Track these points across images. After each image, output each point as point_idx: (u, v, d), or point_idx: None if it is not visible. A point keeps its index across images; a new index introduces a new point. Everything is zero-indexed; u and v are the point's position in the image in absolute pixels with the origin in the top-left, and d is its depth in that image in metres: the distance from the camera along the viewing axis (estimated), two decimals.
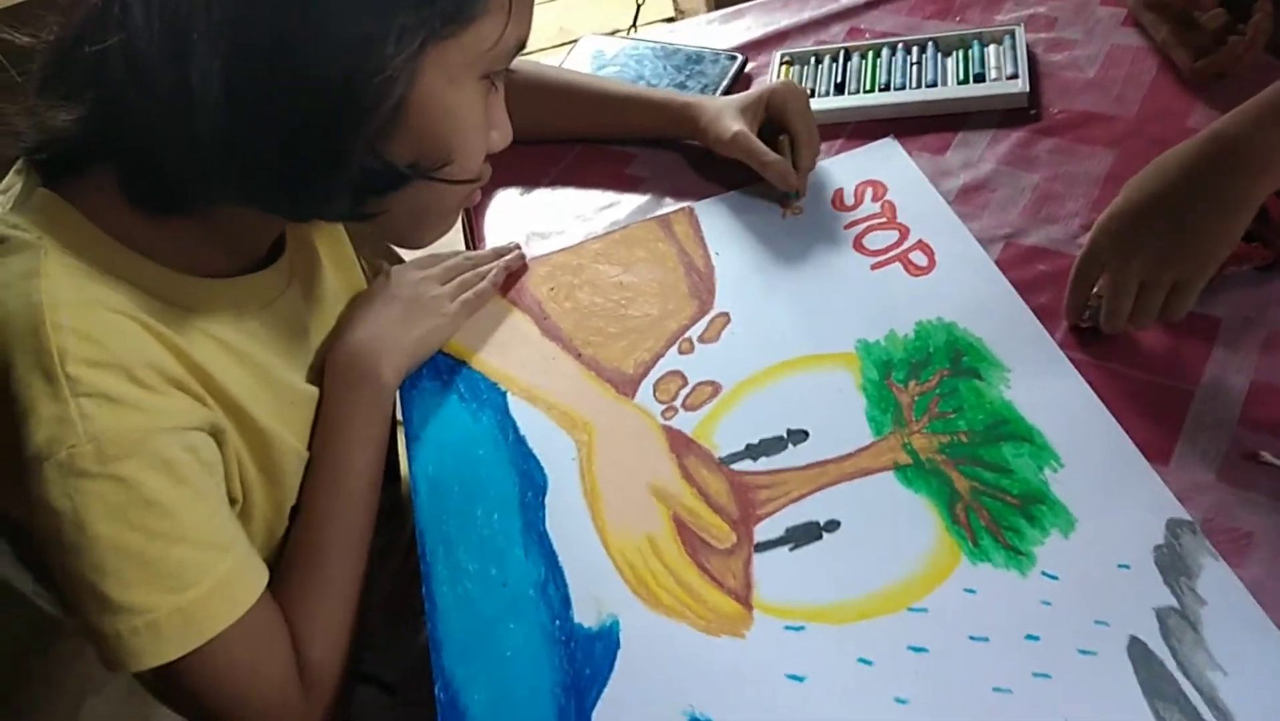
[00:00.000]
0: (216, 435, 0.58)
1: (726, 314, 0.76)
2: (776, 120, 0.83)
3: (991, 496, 0.61)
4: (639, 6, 2.53)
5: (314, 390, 0.70)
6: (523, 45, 0.60)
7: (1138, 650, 0.53)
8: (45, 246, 0.53)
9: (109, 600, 0.51)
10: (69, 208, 0.55)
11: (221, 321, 0.61)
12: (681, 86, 0.96)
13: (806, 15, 1.03)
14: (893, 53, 0.93)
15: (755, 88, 0.85)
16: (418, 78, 0.54)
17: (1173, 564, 0.56)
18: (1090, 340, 0.68)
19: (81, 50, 0.52)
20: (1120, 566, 0.57)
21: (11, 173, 0.59)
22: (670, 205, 0.86)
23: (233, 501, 0.61)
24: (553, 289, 0.81)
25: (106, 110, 0.53)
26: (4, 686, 1.48)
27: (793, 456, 0.66)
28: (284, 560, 0.65)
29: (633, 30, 2.48)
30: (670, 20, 2.54)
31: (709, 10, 2.03)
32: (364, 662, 0.67)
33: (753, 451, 0.67)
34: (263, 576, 0.59)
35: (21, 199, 0.56)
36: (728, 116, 0.83)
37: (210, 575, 0.54)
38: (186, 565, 0.54)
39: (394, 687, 0.79)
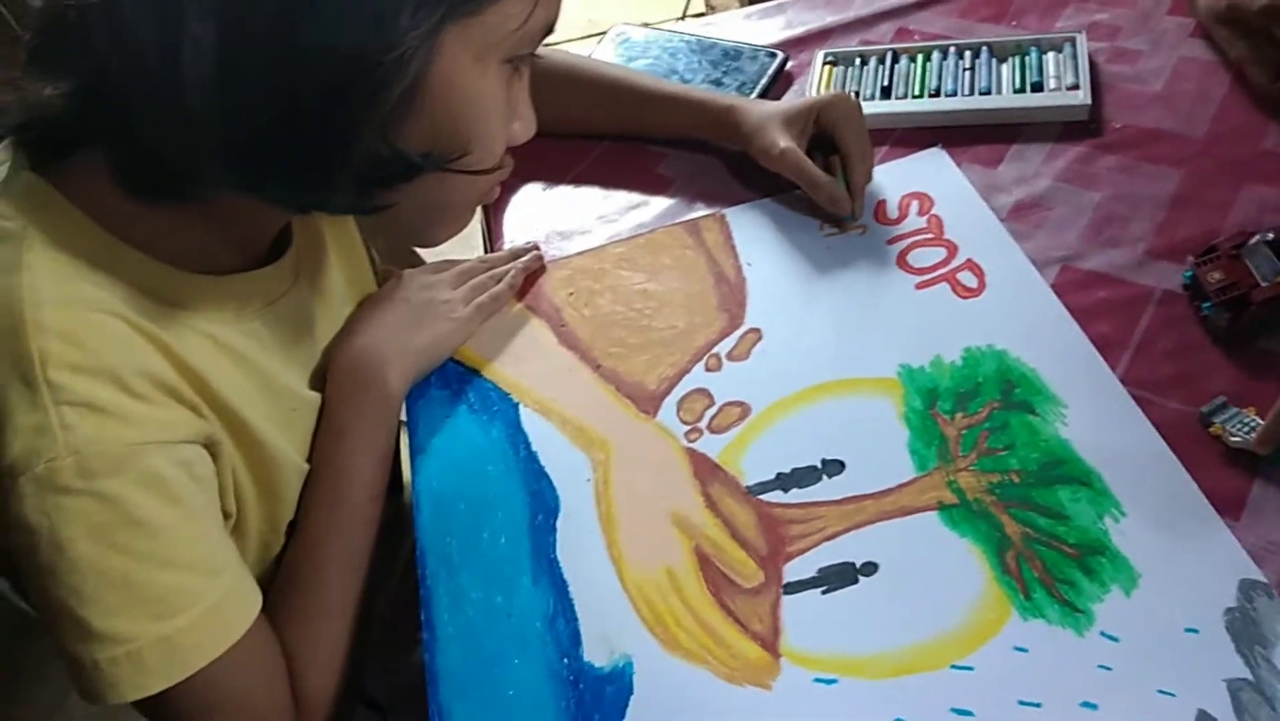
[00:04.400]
0: (211, 447, 0.54)
1: (758, 330, 0.71)
2: (827, 134, 0.77)
3: (1046, 545, 0.56)
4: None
5: (317, 396, 0.65)
6: (550, 29, 0.55)
7: None
8: (29, 237, 0.49)
9: (88, 627, 0.48)
10: (55, 194, 0.51)
11: (221, 321, 0.57)
12: (717, 84, 0.91)
13: (851, 14, 0.97)
14: (944, 56, 0.87)
15: (805, 98, 0.78)
16: (435, 57, 0.49)
17: (1246, 630, 0.52)
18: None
19: (69, 12, 0.47)
20: (1188, 630, 0.52)
21: None
22: (701, 210, 0.81)
23: (226, 516, 0.57)
24: (572, 294, 0.76)
25: (93, 83, 0.49)
26: None
27: (827, 489, 0.61)
28: (280, 580, 0.61)
29: (680, 21, 2.42)
30: (701, 15, 2.48)
31: (742, 4, 1.98)
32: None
33: (784, 481, 0.62)
34: (256, 601, 0.55)
35: (6, 183, 0.52)
36: (775, 128, 0.77)
37: (200, 602, 0.51)
38: (174, 591, 0.50)
39: (384, 707, 0.75)
